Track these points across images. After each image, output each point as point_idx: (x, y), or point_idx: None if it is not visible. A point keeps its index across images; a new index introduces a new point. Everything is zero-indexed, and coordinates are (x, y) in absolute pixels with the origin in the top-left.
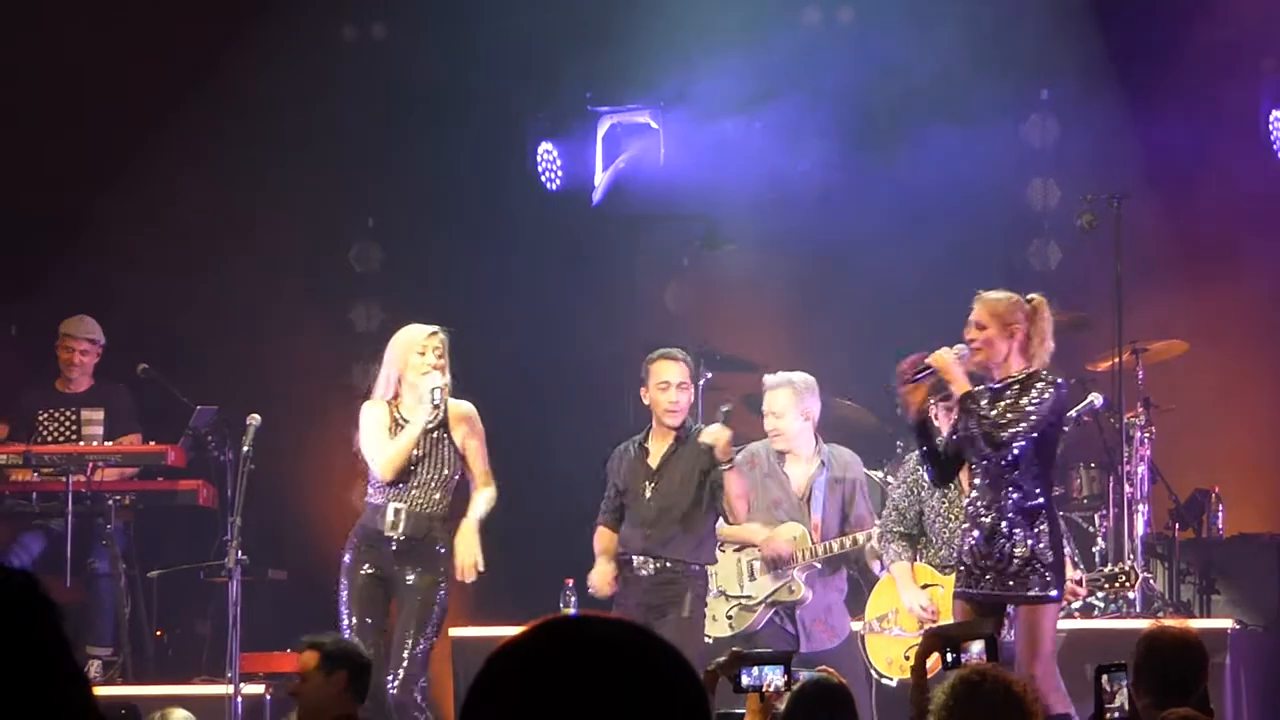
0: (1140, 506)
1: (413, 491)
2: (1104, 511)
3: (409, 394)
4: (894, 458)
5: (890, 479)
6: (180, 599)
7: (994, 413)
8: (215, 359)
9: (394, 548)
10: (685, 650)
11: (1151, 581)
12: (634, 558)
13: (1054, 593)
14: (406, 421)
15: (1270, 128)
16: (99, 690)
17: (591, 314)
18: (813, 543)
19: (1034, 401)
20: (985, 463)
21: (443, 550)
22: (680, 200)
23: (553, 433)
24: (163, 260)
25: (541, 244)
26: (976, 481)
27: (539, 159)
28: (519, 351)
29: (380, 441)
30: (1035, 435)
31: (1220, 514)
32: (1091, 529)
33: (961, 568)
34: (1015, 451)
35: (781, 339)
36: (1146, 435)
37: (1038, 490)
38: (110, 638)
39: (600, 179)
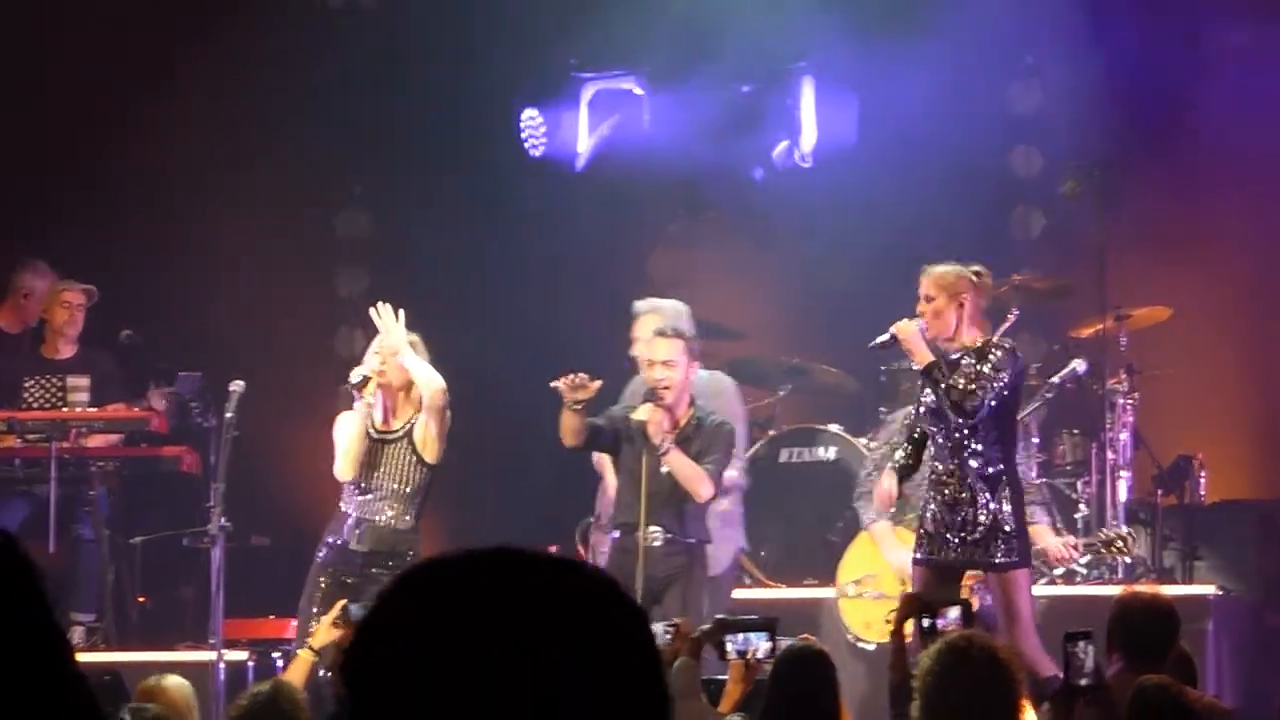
0: (1123, 473)
1: (375, 504)
2: (1087, 478)
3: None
4: (877, 423)
5: (873, 443)
6: (164, 565)
7: (960, 382)
8: (198, 325)
9: (359, 560)
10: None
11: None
12: (637, 531)
13: (1017, 558)
14: (373, 425)
15: (1250, 96)
16: (82, 656)
17: (575, 280)
18: None
19: (995, 368)
20: (945, 430)
21: (412, 557)
22: (664, 167)
23: (536, 400)
24: (145, 225)
25: (525, 210)
26: (935, 450)
27: (523, 125)
28: (501, 317)
29: (339, 442)
30: (995, 402)
31: (1203, 480)
32: (1074, 495)
33: (923, 535)
34: (982, 414)
35: (764, 305)
36: (1129, 402)
37: (998, 457)
38: (93, 604)
39: (584, 145)
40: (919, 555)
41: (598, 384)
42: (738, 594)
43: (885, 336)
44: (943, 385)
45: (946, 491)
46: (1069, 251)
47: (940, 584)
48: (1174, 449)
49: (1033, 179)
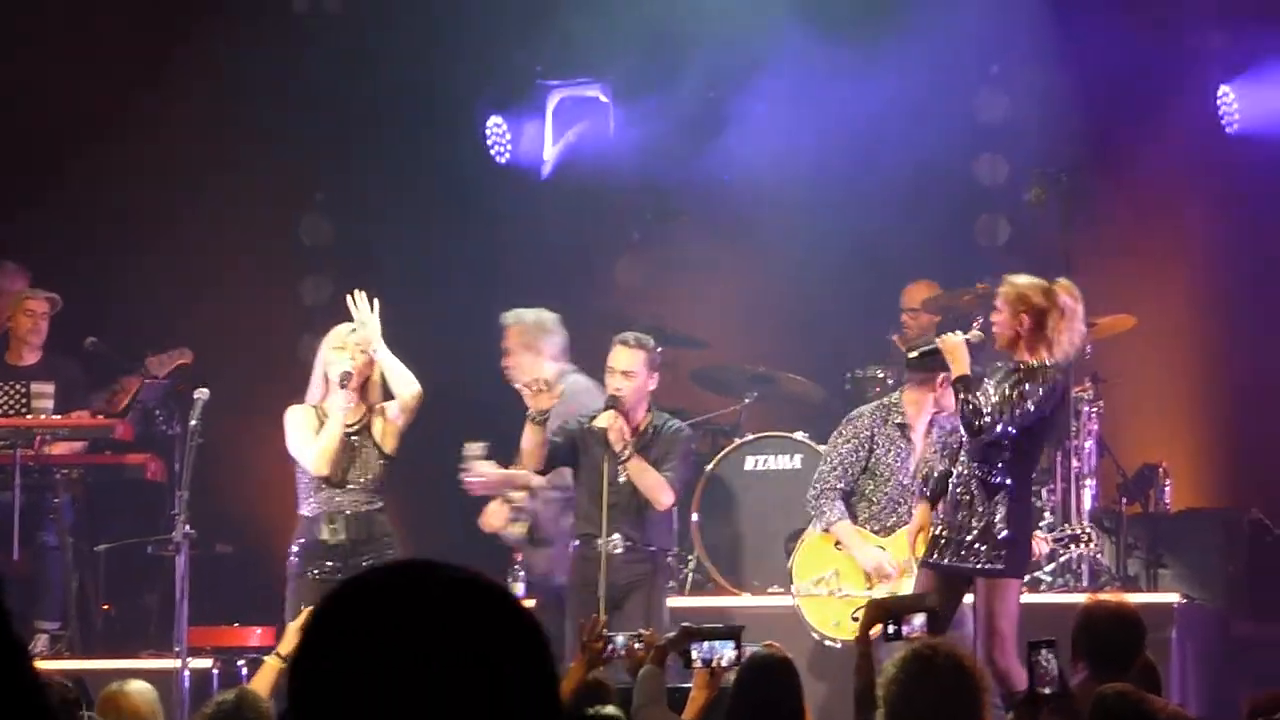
0: (1088, 481)
1: (341, 497)
2: (1051, 486)
3: (335, 393)
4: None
5: (839, 439)
6: (128, 573)
7: (978, 401)
8: (163, 332)
9: (339, 553)
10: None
11: (1099, 556)
12: (598, 538)
13: (1002, 567)
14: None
15: (1218, 103)
16: (46, 664)
17: (543, 288)
18: None
19: (1023, 395)
20: (970, 438)
21: (389, 541)
22: (630, 174)
23: (501, 406)
24: (112, 232)
25: (490, 217)
26: (963, 455)
27: (488, 132)
28: (468, 325)
29: (308, 438)
30: (1011, 428)
31: (1167, 488)
32: (1039, 503)
33: (933, 539)
34: (993, 436)
35: (732, 313)
36: (1094, 410)
37: (1007, 471)
38: (58, 612)
39: (550, 153)
40: (926, 557)
41: (559, 389)
42: (702, 602)
43: (929, 347)
44: (961, 400)
45: (954, 496)
46: (1034, 259)
47: (942, 589)
48: (1139, 457)
49: (998, 186)
